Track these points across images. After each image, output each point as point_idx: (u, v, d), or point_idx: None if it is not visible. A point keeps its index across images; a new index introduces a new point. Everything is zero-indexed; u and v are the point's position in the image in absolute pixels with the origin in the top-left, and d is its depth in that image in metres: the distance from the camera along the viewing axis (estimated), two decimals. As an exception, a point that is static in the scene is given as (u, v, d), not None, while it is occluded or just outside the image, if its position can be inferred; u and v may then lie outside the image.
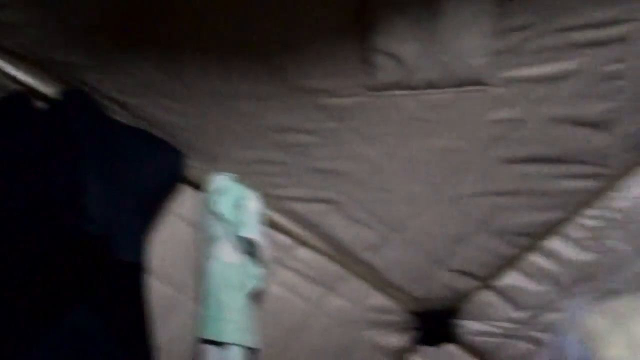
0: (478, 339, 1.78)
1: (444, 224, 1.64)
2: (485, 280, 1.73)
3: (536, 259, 1.70)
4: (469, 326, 1.79)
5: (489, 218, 1.63)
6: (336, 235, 1.66)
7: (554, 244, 1.67)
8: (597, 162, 1.51)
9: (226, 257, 1.57)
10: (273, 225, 1.63)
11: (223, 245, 1.57)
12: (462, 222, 1.64)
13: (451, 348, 1.82)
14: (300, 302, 1.70)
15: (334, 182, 1.57)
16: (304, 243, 1.67)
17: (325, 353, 1.74)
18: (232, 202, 1.58)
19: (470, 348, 1.80)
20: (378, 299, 1.76)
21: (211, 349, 1.59)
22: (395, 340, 1.80)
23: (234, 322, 1.58)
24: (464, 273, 1.72)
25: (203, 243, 1.57)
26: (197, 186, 1.55)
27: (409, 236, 1.65)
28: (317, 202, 1.61)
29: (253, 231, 1.58)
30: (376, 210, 1.63)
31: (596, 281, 1.59)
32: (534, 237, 1.67)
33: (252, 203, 1.58)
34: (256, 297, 1.62)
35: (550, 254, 1.68)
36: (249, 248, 1.57)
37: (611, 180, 1.57)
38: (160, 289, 1.50)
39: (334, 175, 1.56)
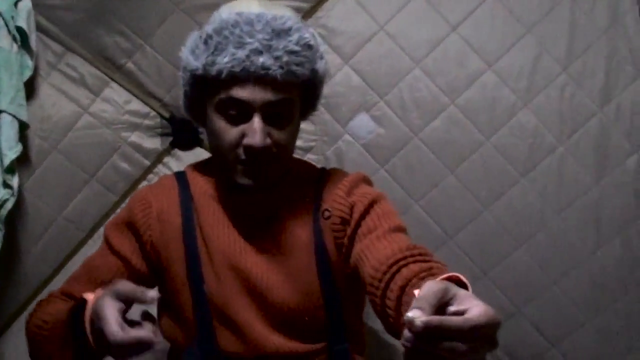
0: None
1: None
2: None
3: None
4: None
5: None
6: (99, 44, 2.05)
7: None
8: None
9: (3, 42, 1.93)
10: (45, 31, 2.01)
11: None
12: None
13: (199, 150, 2.12)
14: (68, 102, 2.06)
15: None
16: (72, 50, 2.05)
17: (95, 147, 2.08)
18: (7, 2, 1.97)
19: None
20: (136, 105, 2.10)
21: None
22: (152, 143, 2.12)
23: (9, 95, 1.93)
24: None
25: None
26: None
27: (157, 44, 2.05)
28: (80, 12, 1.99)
29: (25, 25, 1.96)
30: (131, 21, 2.02)
31: None
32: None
33: (25, 3, 1.98)
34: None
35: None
36: (22, 39, 1.95)
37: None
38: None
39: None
